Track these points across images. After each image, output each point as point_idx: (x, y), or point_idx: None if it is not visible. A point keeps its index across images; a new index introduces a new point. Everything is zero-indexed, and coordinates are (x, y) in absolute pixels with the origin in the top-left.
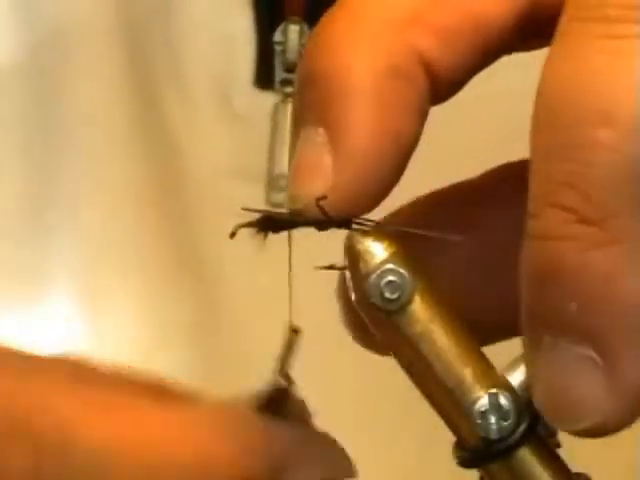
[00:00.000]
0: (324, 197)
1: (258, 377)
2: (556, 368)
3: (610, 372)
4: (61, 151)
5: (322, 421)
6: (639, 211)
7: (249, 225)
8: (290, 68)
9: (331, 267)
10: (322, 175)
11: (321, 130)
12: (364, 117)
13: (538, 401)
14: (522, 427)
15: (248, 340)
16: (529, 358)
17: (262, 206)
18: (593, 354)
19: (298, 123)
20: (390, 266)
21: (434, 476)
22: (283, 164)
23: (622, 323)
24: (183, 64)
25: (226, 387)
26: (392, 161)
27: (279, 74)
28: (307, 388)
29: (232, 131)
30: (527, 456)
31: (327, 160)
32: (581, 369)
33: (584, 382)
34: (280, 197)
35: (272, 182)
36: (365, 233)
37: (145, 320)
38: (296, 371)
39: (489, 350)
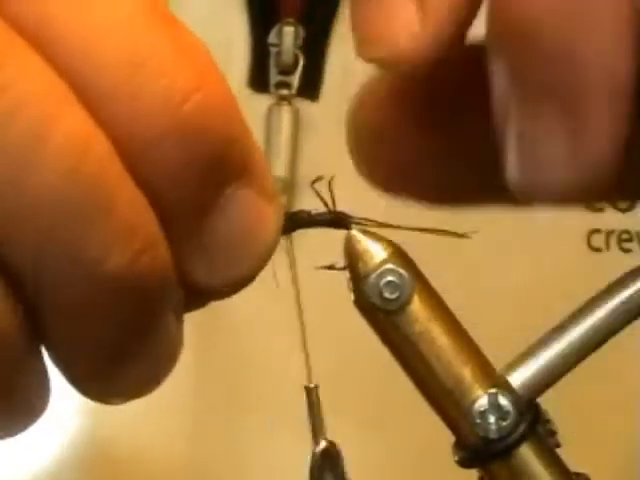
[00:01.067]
0: None
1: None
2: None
3: (575, 137)
4: None
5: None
6: None
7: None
8: (285, 70)
9: (331, 267)
10: (406, 25)
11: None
12: None
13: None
14: (521, 427)
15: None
16: (503, 133)
17: None
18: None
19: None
20: (389, 266)
21: (434, 476)
22: (278, 166)
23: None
24: None
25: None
26: (469, 16)
27: (274, 76)
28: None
29: None
30: (526, 456)
31: (411, 9)
32: (548, 135)
33: (550, 146)
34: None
35: None
36: (365, 233)
37: None
38: (296, 372)
39: (489, 350)
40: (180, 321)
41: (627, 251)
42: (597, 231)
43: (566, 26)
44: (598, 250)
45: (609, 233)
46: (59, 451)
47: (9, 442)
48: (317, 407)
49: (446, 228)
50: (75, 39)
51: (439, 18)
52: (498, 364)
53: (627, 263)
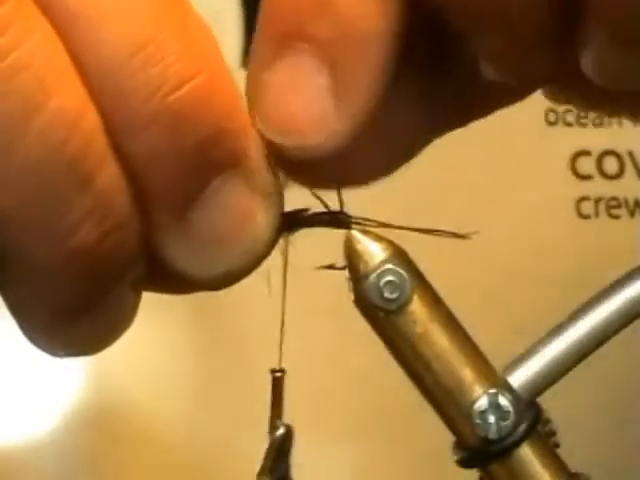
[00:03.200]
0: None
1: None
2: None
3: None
4: None
5: (323, 422)
6: None
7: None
8: None
9: (331, 267)
10: (324, 123)
11: (326, 71)
12: (378, 67)
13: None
14: (521, 427)
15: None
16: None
17: None
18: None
19: (282, 39)
20: (389, 266)
21: (434, 476)
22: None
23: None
24: None
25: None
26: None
27: None
28: (306, 390)
29: None
30: (526, 456)
31: (329, 106)
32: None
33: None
34: None
35: None
36: (364, 233)
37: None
38: (296, 372)
39: (489, 350)
40: (138, 295)
41: (616, 217)
42: (586, 198)
43: None
44: (587, 217)
45: (597, 200)
46: (62, 411)
47: (14, 401)
48: (280, 393)
49: (446, 229)
50: (82, 10)
51: (356, 110)
52: (498, 364)
53: (616, 230)
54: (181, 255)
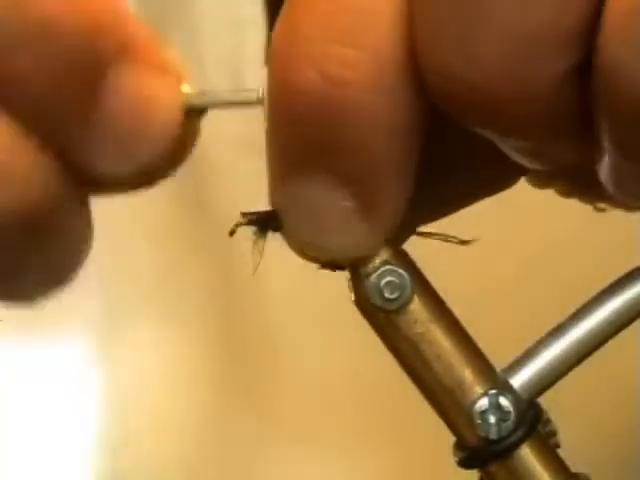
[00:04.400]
0: None
1: None
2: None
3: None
4: None
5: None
6: None
7: (249, 223)
8: None
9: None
10: (357, 246)
11: (348, 193)
12: (403, 184)
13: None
14: (522, 427)
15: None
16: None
17: None
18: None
19: (295, 165)
20: (390, 266)
21: (434, 476)
22: None
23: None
24: (198, 46)
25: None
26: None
27: None
28: (307, 387)
29: (245, 110)
30: (527, 456)
31: (359, 227)
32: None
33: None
34: None
35: None
36: None
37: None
38: (298, 367)
39: (489, 350)
40: (84, 217)
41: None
42: None
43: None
44: (602, 210)
45: None
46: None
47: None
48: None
49: (446, 232)
50: None
51: (387, 223)
52: (499, 364)
53: (632, 221)
54: (98, 157)
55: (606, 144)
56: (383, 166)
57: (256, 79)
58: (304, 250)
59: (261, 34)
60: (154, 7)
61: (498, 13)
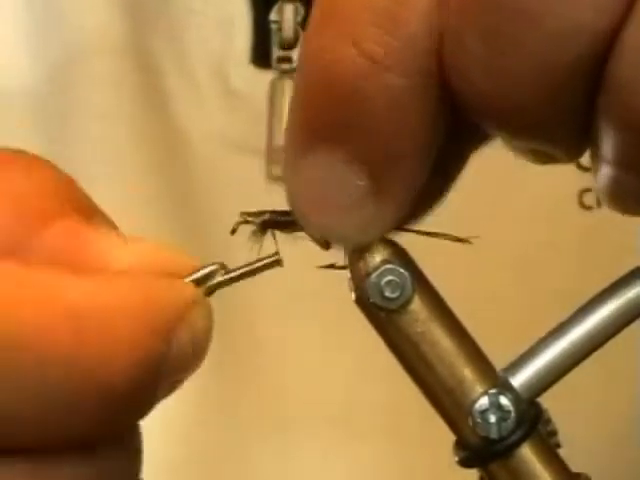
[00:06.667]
0: None
1: None
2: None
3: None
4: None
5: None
6: None
7: (249, 222)
8: (286, 46)
9: (331, 266)
10: (362, 217)
11: (364, 173)
12: (417, 170)
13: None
14: (522, 427)
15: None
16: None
17: (262, 180)
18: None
19: (316, 138)
20: (390, 265)
21: (434, 476)
22: (281, 138)
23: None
24: (184, 44)
25: None
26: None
27: (275, 52)
28: (310, 388)
29: (231, 107)
30: (527, 456)
31: (368, 209)
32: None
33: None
34: (279, 170)
35: (272, 155)
36: None
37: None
38: (298, 366)
39: (489, 350)
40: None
41: None
42: (588, 190)
43: None
44: (589, 208)
45: None
46: None
47: None
48: None
49: (448, 224)
50: None
51: (399, 207)
52: (499, 364)
53: (618, 220)
54: None
55: (609, 155)
56: (403, 150)
57: (241, 77)
58: (310, 231)
59: (247, 33)
60: (139, 5)
61: (530, 46)
